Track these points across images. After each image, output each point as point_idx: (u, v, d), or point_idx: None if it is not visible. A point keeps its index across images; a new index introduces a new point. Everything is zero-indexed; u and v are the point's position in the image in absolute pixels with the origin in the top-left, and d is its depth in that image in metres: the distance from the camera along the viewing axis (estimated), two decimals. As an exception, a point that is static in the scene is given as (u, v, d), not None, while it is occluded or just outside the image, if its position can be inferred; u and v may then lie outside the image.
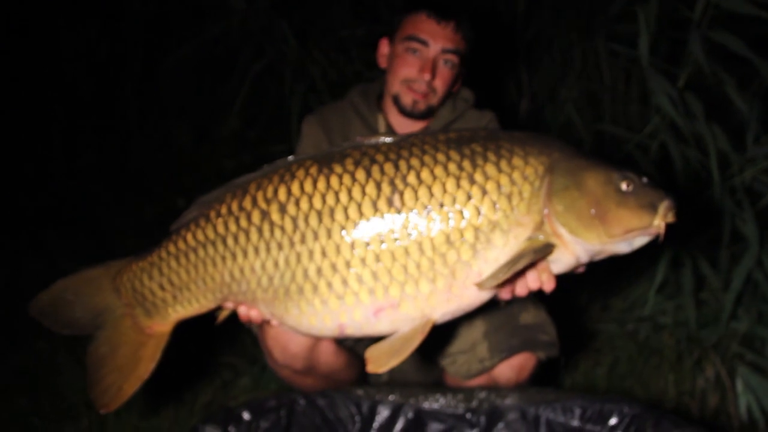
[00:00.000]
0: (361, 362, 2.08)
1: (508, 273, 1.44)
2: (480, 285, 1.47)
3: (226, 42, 4.44)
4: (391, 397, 1.82)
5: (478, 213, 1.46)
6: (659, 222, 1.45)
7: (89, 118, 5.19)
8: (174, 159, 4.82)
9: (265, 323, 1.71)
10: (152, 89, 5.03)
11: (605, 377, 2.67)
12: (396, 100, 2.14)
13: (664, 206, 1.45)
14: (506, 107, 3.81)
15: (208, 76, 4.77)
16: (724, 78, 2.72)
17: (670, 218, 1.46)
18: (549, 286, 1.53)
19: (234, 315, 1.73)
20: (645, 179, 1.49)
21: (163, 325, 1.72)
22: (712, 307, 2.71)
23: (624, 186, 1.47)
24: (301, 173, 1.55)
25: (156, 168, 4.83)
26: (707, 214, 2.66)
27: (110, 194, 4.71)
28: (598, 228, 1.45)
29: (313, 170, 1.55)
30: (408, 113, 2.15)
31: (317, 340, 1.93)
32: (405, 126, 2.20)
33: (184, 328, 1.75)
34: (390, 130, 2.20)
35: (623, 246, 1.50)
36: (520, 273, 1.50)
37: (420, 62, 2.09)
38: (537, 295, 1.62)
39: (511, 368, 2.03)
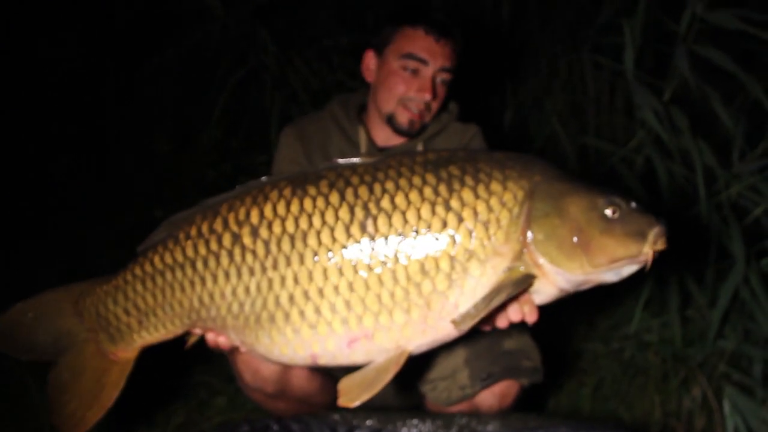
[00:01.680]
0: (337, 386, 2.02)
1: (485, 311, 1.37)
2: (456, 324, 1.40)
3: (207, 49, 4.38)
4: (368, 422, 1.73)
5: (454, 241, 1.38)
6: (647, 250, 1.36)
7: (68, 125, 5.11)
8: (153, 168, 4.74)
9: (234, 350, 1.64)
10: (132, 96, 4.96)
11: (590, 398, 2.62)
12: (390, 119, 2.07)
13: (653, 234, 1.36)
14: (491, 118, 3.77)
15: (189, 83, 4.70)
16: (710, 93, 2.68)
17: (660, 246, 1.37)
18: (531, 317, 1.46)
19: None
20: (634, 204, 1.41)
21: (128, 351, 1.66)
22: (698, 324, 2.66)
23: (609, 212, 1.39)
24: (274, 195, 1.48)
25: (135, 177, 4.75)
26: (693, 230, 2.61)
27: (88, 203, 4.63)
28: (581, 258, 1.37)
29: (287, 192, 1.47)
30: (404, 132, 2.08)
31: (290, 365, 1.86)
32: (386, 139, 2.14)
33: (158, 345, 1.67)
34: (371, 143, 2.13)
35: (610, 275, 1.41)
36: (501, 306, 1.42)
37: (419, 81, 2.02)
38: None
39: (494, 396, 1.97)
